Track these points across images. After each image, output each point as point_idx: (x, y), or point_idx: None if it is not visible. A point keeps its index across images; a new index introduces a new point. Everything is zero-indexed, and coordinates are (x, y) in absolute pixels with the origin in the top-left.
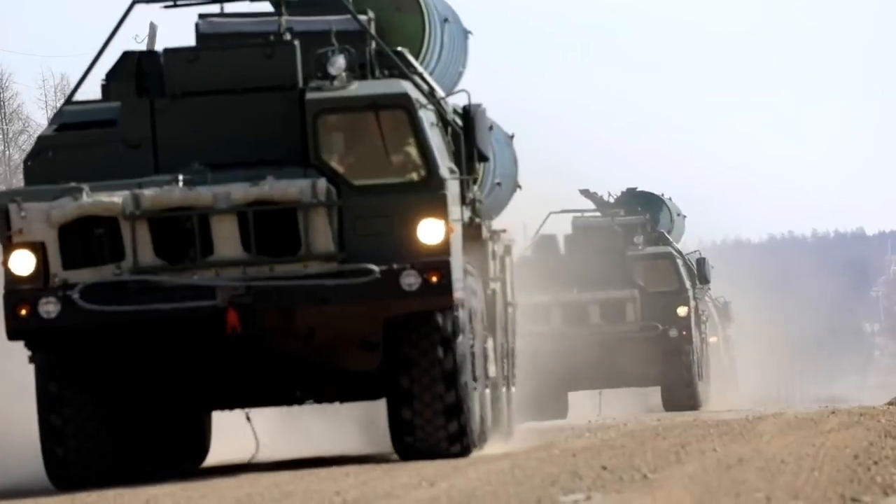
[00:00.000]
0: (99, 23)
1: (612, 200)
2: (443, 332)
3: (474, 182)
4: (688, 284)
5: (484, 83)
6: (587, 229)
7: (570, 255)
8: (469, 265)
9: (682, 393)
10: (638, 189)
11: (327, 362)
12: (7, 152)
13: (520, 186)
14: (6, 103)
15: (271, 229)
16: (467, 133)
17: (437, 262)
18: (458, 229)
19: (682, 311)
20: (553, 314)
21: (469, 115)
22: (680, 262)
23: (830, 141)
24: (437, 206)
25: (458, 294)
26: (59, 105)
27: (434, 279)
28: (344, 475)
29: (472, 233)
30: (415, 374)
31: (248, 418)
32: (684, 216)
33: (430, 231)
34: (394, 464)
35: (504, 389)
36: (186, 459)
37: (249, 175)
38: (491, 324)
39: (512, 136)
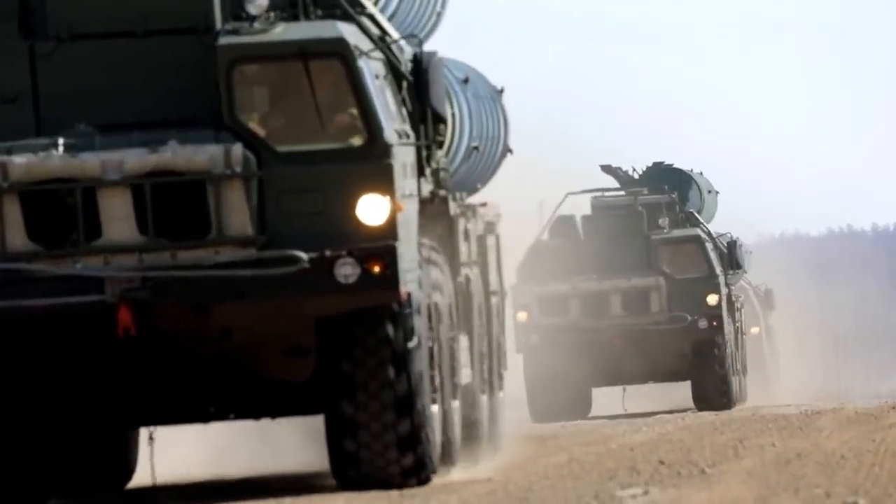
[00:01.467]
0: None
1: (636, 176)
2: (395, 346)
3: (439, 147)
4: (718, 270)
5: (503, 51)
6: (607, 210)
7: (589, 239)
8: (433, 248)
9: (714, 389)
10: (664, 164)
11: (247, 371)
12: None
13: (510, 150)
14: None
15: (174, 207)
16: (418, 88)
17: (381, 247)
18: (409, 207)
19: (712, 299)
20: (571, 305)
21: (420, 65)
22: (709, 245)
23: (891, 131)
24: (381, 179)
25: (407, 287)
26: None
27: (376, 269)
28: None
29: (437, 209)
30: (360, 399)
31: (151, 439)
32: (716, 192)
33: (371, 209)
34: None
35: (485, 396)
36: (104, 480)
37: (148, 138)
38: (465, 318)
39: (501, 91)
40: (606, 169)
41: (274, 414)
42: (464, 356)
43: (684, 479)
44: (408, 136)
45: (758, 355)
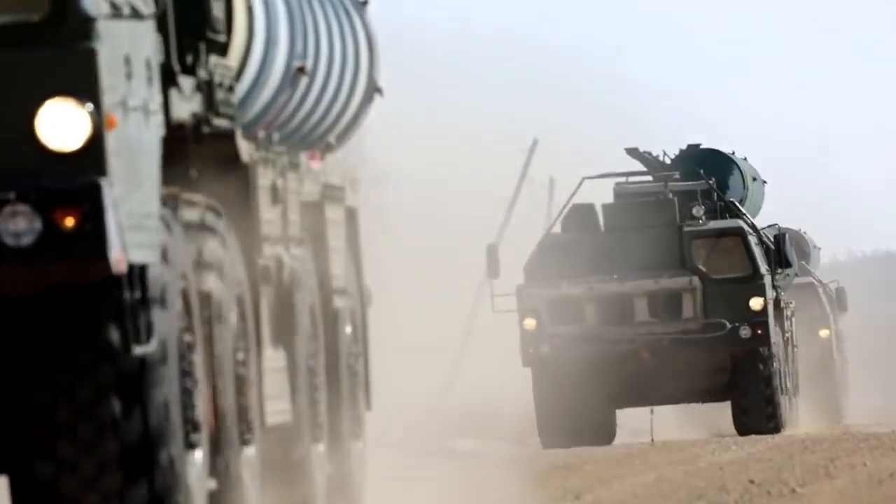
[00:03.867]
0: None
1: (667, 161)
2: (121, 363)
3: (213, 49)
4: (764, 269)
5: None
6: (633, 198)
7: (610, 232)
8: (209, 208)
9: (758, 411)
10: (702, 146)
11: None
12: None
13: (379, 90)
14: None
15: None
16: None
17: (76, 187)
18: (136, 126)
19: (756, 303)
20: (588, 310)
21: None
22: (753, 239)
23: None
24: (75, 73)
25: (131, 256)
26: None
27: (68, 222)
28: (488, 489)
29: (216, 149)
30: (66, 454)
31: None
32: (763, 181)
33: (59, 124)
34: (539, 476)
35: (320, 446)
36: None
37: None
38: (280, 324)
39: (364, 3)
40: (632, 153)
41: None
42: (272, 381)
43: (774, 499)
44: (134, 12)
45: (826, 363)
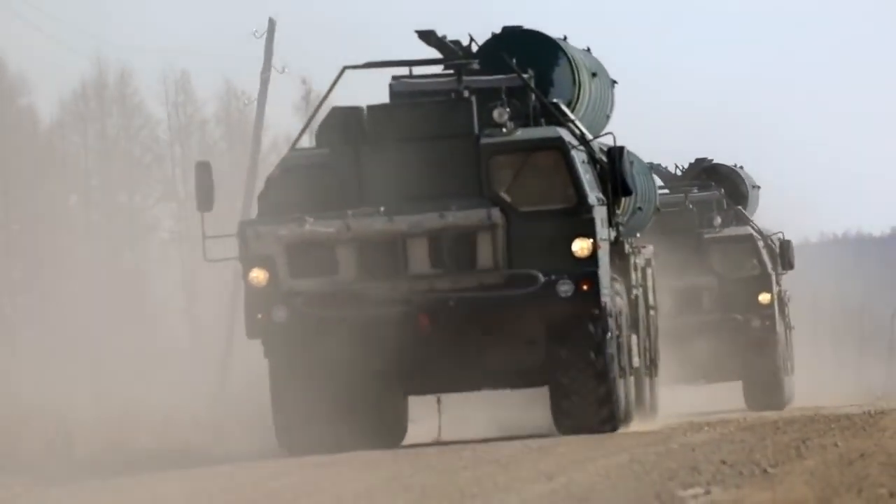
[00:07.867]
0: (220, 16)
1: (474, 48)
2: None
3: None
4: (595, 198)
5: None
6: (415, 98)
7: (379, 146)
8: None
9: (584, 404)
10: (522, 28)
11: None
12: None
13: None
14: (127, 99)
15: None
16: None
17: None
18: None
19: (581, 246)
20: (343, 257)
21: None
22: (581, 156)
23: None
24: None
25: None
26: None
27: None
28: (462, 468)
29: None
30: None
31: None
32: (614, 81)
33: None
34: (511, 458)
35: None
36: None
37: None
38: None
39: None
40: (427, 38)
41: None
42: None
43: (746, 479)
44: None
45: (766, 336)
